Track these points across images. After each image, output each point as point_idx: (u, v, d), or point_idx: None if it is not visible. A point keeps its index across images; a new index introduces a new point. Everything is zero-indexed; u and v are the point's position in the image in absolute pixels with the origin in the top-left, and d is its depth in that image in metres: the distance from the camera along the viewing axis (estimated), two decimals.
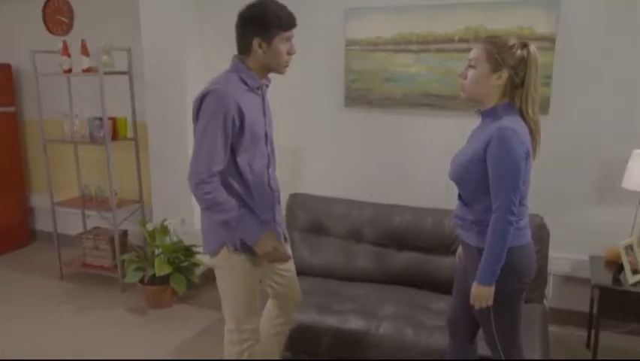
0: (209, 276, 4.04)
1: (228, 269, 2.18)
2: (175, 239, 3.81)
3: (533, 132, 1.99)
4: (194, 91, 3.83)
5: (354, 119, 3.67)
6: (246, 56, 2.09)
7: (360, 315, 2.77)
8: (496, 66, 1.96)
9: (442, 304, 2.91)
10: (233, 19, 3.66)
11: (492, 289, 1.96)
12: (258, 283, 2.29)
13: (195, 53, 3.87)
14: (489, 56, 1.97)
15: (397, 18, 3.47)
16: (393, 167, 3.64)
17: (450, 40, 3.39)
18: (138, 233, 4.29)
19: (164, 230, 3.76)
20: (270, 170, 2.21)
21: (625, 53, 3.05)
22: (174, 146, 3.92)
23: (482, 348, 2.32)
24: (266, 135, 2.16)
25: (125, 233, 4.22)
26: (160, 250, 3.69)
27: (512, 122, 1.94)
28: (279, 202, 2.31)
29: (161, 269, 3.52)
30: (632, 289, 2.69)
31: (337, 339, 2.64)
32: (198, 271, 3.82)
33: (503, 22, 3.24)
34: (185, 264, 3.73)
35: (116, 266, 4.04)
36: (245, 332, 2.25)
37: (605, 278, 2.79)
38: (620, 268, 2.76)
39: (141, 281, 3.69)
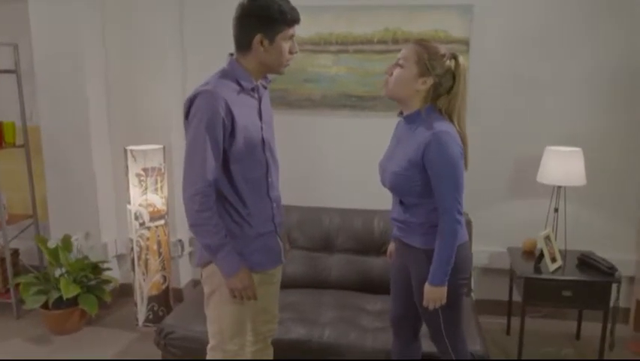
0: (122, 293, 3.74)
1: (218, 283, 1.95)
2: (80, 256, 3.44)
3: (462, 140, 2.00)
4: (96, 92, 3.57)
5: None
6: (244, 54, 1.89)
7: (301, 323, 2.67)
8: (423, 71, 1.95)
9: (378, 304, 2.91)
10: (141, 19, 3.46)
11: (445, 289, 1.98)
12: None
13: (96, 52, 3.51)
14: (419, 60, 1.95)
15: (316, 18, 3.43)
16: (316, 169, 3.59)
17: (369, 42, 3.42)
18: (31, 252, 3.84)
19: (68, 247, 3.38)
20: (270, 179, 2.01)
21: (535, 55, 3.27)
22: (74, 152, 3.54)
23: (425, 345, 2.35)
24: (263, 141, 1.96)
25: (15, 252, 3.74)
26: (64, 270, 3.31)
27: (444, 126, 1.94)
28: (282, 214, 2.11)
29: (69, 290, 3.15)
30: (552, 276, 2.87)
31: (281, 350, 2.51)
32: (108, 288, 3.48)
33: (420, 25, 3.33)
34: (93, 282, 3.39)
35: (8, 291, 3.57)
36: (229, 353, 2.03)
37: (526, 268, 2.95)
38: (540, 257, 2.94)
39: (44, 306, 3.27)
